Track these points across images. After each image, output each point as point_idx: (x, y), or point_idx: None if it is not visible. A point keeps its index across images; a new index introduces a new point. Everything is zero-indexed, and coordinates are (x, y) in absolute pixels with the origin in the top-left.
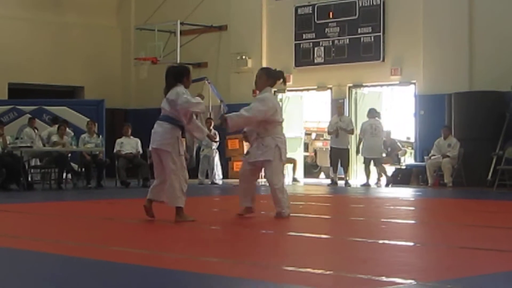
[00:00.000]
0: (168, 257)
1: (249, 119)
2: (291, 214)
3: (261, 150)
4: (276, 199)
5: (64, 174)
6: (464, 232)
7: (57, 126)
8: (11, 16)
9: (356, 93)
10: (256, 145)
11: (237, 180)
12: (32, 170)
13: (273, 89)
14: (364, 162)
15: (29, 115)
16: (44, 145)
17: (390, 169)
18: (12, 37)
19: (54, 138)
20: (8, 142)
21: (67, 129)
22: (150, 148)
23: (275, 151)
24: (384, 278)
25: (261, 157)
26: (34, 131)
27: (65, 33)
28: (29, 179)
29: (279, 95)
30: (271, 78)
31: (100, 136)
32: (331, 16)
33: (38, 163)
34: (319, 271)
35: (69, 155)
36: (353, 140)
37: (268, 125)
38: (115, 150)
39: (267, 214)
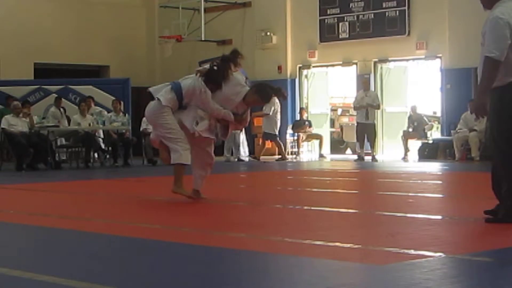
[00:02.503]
0: (198, 233)
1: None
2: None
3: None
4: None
5: (92, 153)
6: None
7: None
8: None
9: (381, 68)
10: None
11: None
12: (59, 150)
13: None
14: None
15: (55, 95)
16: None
17: (416, 144)
18: (38, 17)
19: (77, 117)
20: (35, 122)
21: (93, 105)
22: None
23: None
24: (412, 251)
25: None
26: (60, 111)
27: (90, 13)
28: (57, 158)
29: (304, 71)
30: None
31: (126, 115)
32: None
33: (65, 142)
34: (348, 245)
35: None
36: (379, 115)
37: None
38: (141, 128)
39: (295, 190)
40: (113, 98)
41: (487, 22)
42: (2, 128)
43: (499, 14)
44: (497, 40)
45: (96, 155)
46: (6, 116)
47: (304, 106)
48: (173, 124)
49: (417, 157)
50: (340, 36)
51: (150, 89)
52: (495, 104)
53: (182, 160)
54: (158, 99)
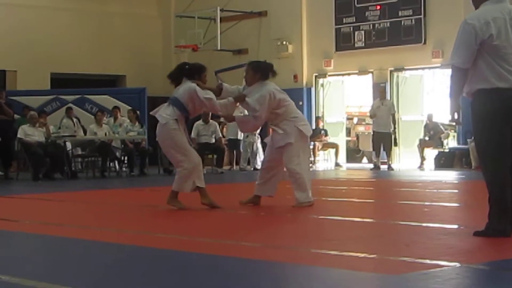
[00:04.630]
0: (213, 243)
1: (258, 120)
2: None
3: (279, 135)
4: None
5: (108, 163)
6: None
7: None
8: (53, 7)
9: (397, 76)
10: (273, 133)
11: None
12: (75, 159)
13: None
14: None
15: (70, 105)
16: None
17: (433, 153)
18: (54, 27)
19: (93, 127)
20: (51, 132)
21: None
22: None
23: (295, 133)
24: (427, 261)
25: (281, 142)
26: (73, 121)
27: (107, 23)
28: (73, 168)
29: (320, 80)
30: (258, 72)
31: (143, 124)
32: (371, 0)
33: (81, 152)
34: (363, 255)
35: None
36: (396, 124)
37: (277, 111)
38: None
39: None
40: (129, 107)
41: None
42: (19, 138)
43: (468, 19)
44: (460, 47)
45: (112, 164)
46: (22, 126)
47: (320, 115)
48: (182, 144)
49: (433, 165)
50: (356, 45)
51: (151, 113)
52: (470, 112)
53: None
54: (158, 119)
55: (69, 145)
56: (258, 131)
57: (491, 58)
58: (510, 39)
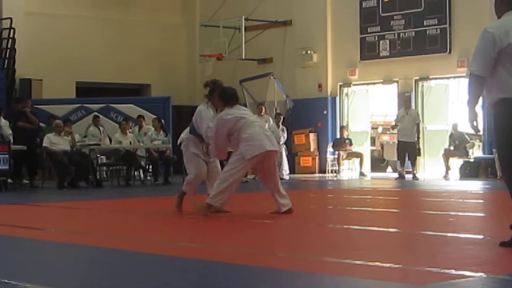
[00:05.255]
0: (239, 253)
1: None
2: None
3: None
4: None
5: (132, 171)
6: None
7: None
8: (78, 15)
9: (422, 86)
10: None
11: (304, 175)
12: (100, 168)
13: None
14: None
15: (94, 114)
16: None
17: (458, 162)
18: (79, 36)
19: (118, 136)
20: (76, 140)
21: (144, 124)
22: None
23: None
24: (453, 271)
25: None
26: (99, 129)
27: (132, 31)
28: (98, 176)
29: (345, 89)
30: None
31: (167, 133)
32: (396, 9)
33: (106, 161)
34: (388, 265)
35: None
36: (420, 133)
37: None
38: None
39: (335, 208)
40: (154, 116)
41: None
42: (44, 147)
43: (488, 27)
44: (478, 55)
45: (136, 173)
46: (48, 135)
47: (344, 124)
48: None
49: (458, 175)
50: (381, 54)
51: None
52: (493, 121)
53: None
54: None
55: (93, 154)
56: (284, 140)
57: (511, 67)
58: None
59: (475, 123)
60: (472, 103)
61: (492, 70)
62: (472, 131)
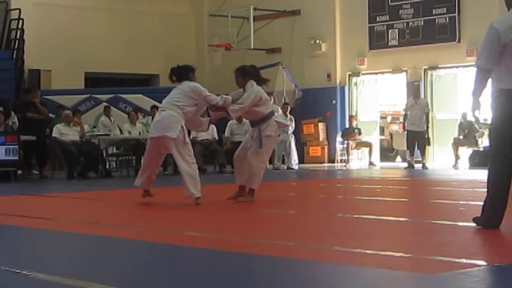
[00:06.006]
0: (247, 242)
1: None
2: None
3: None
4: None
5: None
6: None
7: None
8: (87, 6)
9: (431, 75)
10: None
11: (313, 165)
12: (110, 158)
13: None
14: None
15: (105, 104)
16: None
17: (467, 151)
18: (88, 26)
19: (127, 126)
20: (86, 131)
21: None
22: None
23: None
24: (464, 260)
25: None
26: (110, 120)
27: (140, 22)
28: (107, 166)
29: (354, 79)
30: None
31: None
32: None
33: (115, 151)
34: (399, 254)
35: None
36: (430, 122)
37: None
38: (191, 137)
39: (345, 198)
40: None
41: None
42: (54, 137)
43: (493, 22)
44: (484, 48)
45: None
46: (57, 125)
47: (353, 114)
48: None
49: (467, 164)
50: (390, 44)
51: None
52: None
53: None
54: None
55: (103, 144)
56: (292, 130)
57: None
58: None
59: (477, 113)
60: (476, 93)
61: (497, 63)
62: (481, 121)
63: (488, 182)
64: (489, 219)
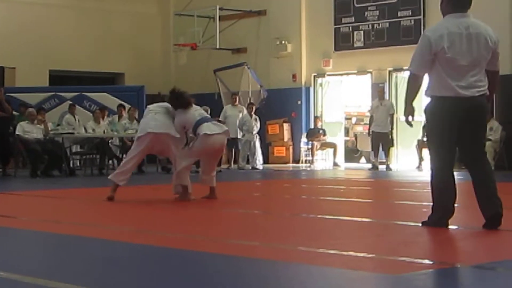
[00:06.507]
0: (211, 241)
1: None
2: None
3: None
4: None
5: (106, 160)
6: (509, 215)
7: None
8: (52, 4)
9: (396, 77)
10: None
11: (278, 165)
12: (74, 156)
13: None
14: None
15: (70, 102)
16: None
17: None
18: (53, 24)
19: (91, 124)
20: (49, 129)
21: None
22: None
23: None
24: (426, 261)
25: None
26: (75, 118)
27: (106, 20)
28: (71, 165)
29: (319, 80)
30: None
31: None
32: (370, 0)
33: (79, 149)
34: (361, 254)
35: (110, 140)
36: (394, 124)
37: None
38: None
39: (309, 198)
40: (129, 105)
41: None
42: (17, 135)
43: (426, 31)
44: (416, 55)
45: (110, 162)
46: (21, 123)
47: (318, 115)
48: None
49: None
50: (355, 45)
51: None
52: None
53: None
54: None
55: (67, 143)
56: (257, 130)
57: (442, 68)
58: (464, 51)
59: (410, 118)
60: (409, 99)
61: (431, 69)
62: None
63: (431, 183)
64: (439, 218)
